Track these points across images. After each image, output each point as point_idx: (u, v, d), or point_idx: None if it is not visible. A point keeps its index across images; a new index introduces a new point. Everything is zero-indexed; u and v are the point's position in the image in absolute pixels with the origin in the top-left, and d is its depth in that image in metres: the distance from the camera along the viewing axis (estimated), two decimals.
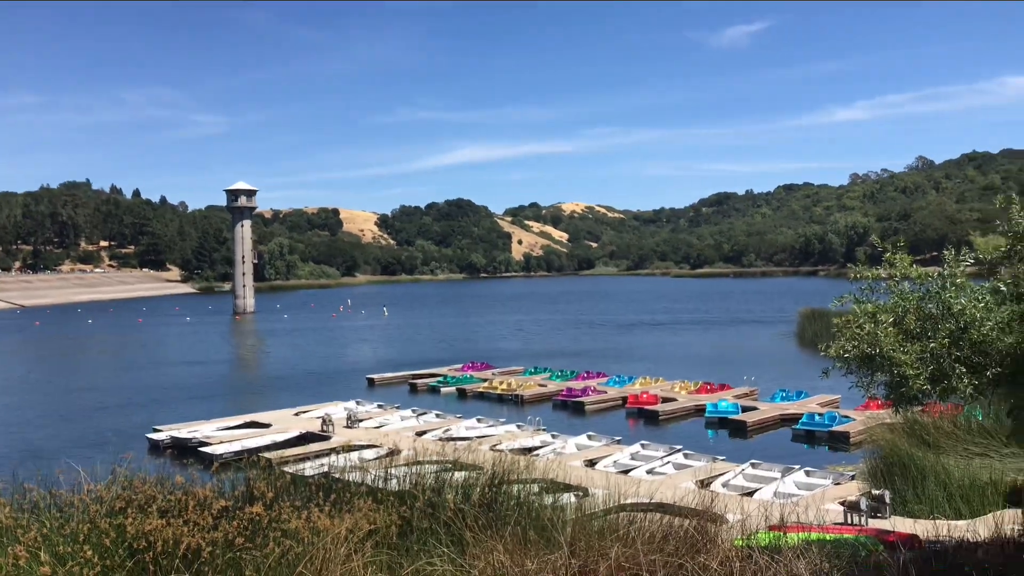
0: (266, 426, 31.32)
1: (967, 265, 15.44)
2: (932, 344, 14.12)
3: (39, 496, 8.74)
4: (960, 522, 14.07)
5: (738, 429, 31.72)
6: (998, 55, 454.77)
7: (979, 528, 11.48)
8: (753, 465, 23.42)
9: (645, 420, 34.14)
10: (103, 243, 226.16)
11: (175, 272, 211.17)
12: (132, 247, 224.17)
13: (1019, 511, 13.00)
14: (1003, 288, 14.30)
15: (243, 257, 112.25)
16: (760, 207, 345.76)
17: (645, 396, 36.15)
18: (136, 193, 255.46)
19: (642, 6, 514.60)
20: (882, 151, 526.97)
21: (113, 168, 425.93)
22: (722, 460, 24.05)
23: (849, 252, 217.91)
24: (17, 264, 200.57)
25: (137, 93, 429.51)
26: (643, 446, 26.48)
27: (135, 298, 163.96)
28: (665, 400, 36.11)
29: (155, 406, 39.00)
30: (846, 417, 31.01)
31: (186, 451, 27.47)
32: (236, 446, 27.16)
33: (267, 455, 23.11)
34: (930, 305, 14.64)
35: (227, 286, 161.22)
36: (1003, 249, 15.08)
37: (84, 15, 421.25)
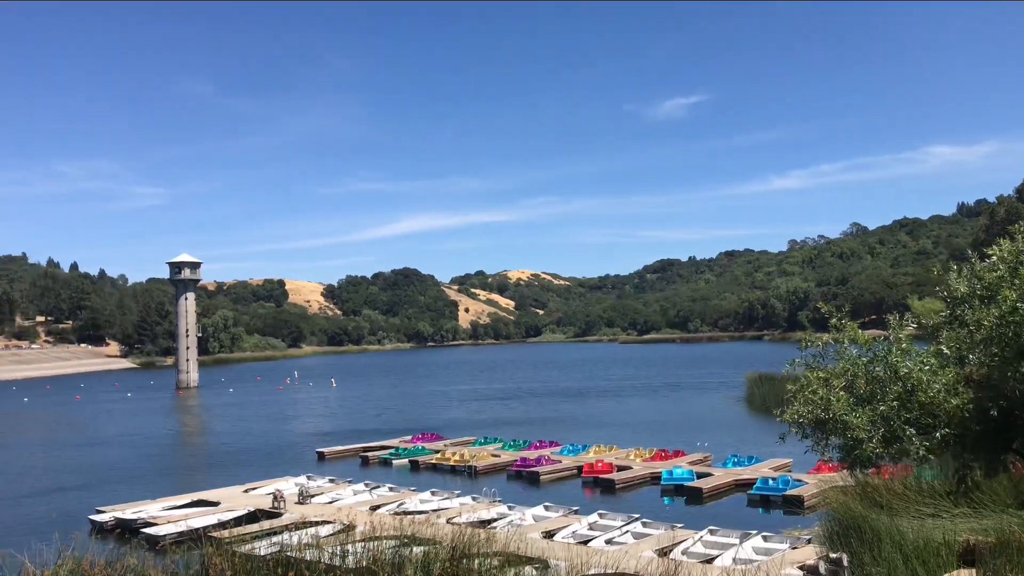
0: (214, 504, 30.33)
1: (911, 329, 16.02)
2: (882, 407, 14.52)
3: None
4: None
5: (694, 496, 31.76)
6: (924, 126, 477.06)
7: None
8: (711, 532, 23.43)
9: (601, 489, 33.95)
10: (39, 318, 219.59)
11: (115, 347, 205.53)
12: (70, 322, 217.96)
13: (972, 571, 13.22)
14: (946, 351, 14.84)
15: (187, 330, 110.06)
16: (703, 273, 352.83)
17: (600, 465, 36.04)
18: (74, 266, 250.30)
19: (579, 80, 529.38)
20: (818, 217, 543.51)
21: (50, 241, 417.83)
22: (680, 527, 24.00)
23: (792, 316, 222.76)
24: None
25: (75, 165, 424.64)
26: (601, 515, 26.30)
27: (73, 374, 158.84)
28: (620, 468, 36.02)
29: (97, 486, 37.53)
30: (799, 481, 31.30)
31: (132, 532, 26.40)
32: (183, 526, 26.22)
33: (216, 534, 22.39)
34: (878, 369, 15.09)
35: (169, 360, 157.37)
36: (943, 314, 15.70)
37: (16, 86, 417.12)
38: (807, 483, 30.71)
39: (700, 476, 33.81)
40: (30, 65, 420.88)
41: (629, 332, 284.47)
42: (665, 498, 32.33)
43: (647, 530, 24.56)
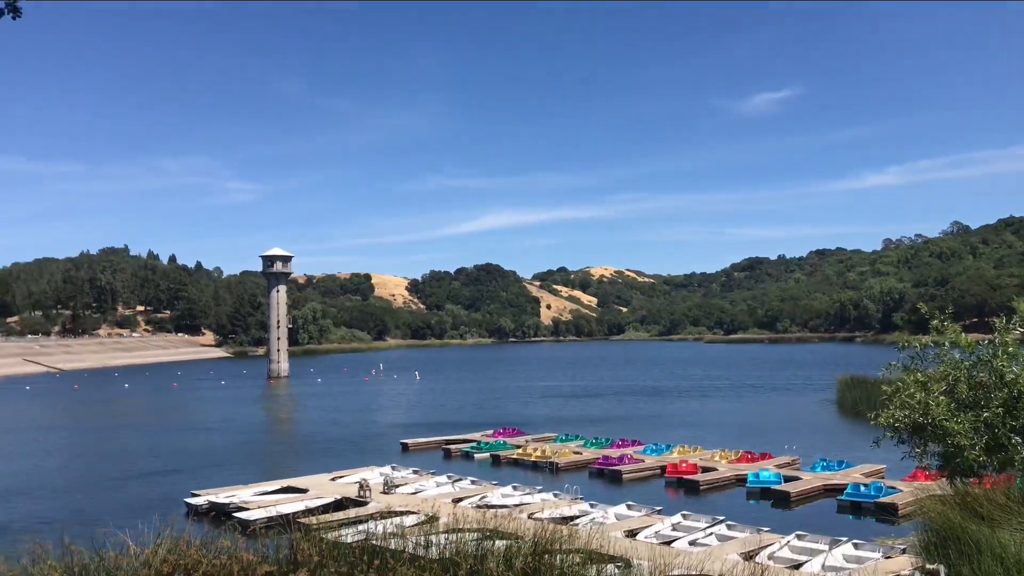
0: (303, 491, 31.20)
1: (1017, 333, 15.16)
2: (986, 413, 13.81)
3: (88, 559, 8.76)
4: None
5: (781, 499, 31.00)
6: None
7: None
8: (799, 537, 22.80)
9: (685, 490, 33.49)
10: (140, 308, 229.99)
11: (209, 337, 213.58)
12: (168, 312, 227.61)
13: None
14: None
15: (278, 322, 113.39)
16: (793, 272, 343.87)
17: (684, 465, 35.54)
18: (172, 259, 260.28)
19: (666, 75, 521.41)
20: (915, 216, 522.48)
21: (151, 234, 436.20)
22: (767, 531, 23.47)
23: (886, 318, 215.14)
24: (56, 328, 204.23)
25: (175, 162, 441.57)
26: (684, 516, 25.92)
27: (170, 362, 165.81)
28: (705, 469, 35.46)
29: (192, 471, 39.09)
30: (892, 488, 30.15)
31: (224, 515, 27.37)
32: (272, 511, 27.01)
33: (305, 520, 22.99)
34: (982, 374, 14.35)
35: (261, 351, 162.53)
36: None
37: (120, 87, 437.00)
38: (901, 490, 29.54)
39: (788, 480, 32.99)
40: (133, 66, 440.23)
41: (715, 331, 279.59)
42: (751, 501, 31.66)
43: (732, 533, 24.10)
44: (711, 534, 23.87)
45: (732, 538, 23.38)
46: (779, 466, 35.76)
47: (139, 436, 54.54)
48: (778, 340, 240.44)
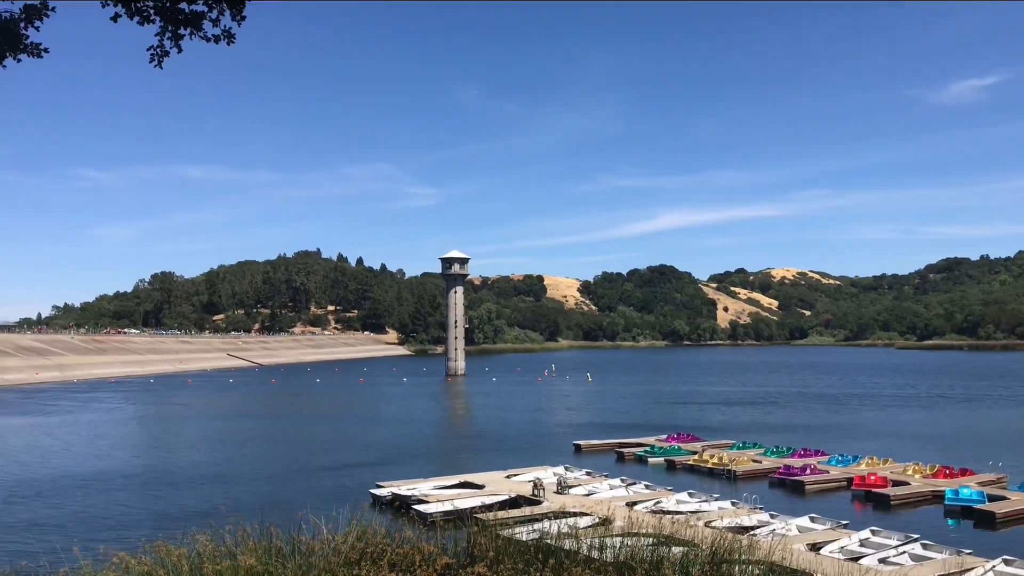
0: (479, 487, 32.03)
1: None
2: None
3: (283, 542, 9.37)
4: None
5: (985, 520, 28.50)
6: None
7: None
8: (1006, 562, 20.89)
9: (874, 504, 31.56)
10: (330, 307, 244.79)
11: (392, 335, 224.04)
12: (355, 311, 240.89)
13: None
14: None
15: (456, 321, 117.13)
16: (998, 273, 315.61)
17: (873, 478, 33.50)
18: (360, 261, 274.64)
19: (853, 64, 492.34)
20: None
21: (340, 238, 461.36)
22: (969, 554, 21.62)
23: None
24: (256, 326, 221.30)
25: (360, 168, 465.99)
26: (873, 532, 24.42)
27: (357, 359, 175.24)
28: (896, 483, 33.25)
29: (376, 462, 41.15)
30: None
31: (404, 507, 28.60)
32: (449, 505, 27.89)
33: (481, 516, 23.58)
34: None
35: (439, 349, 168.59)
36: None
37: (314, 101, 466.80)
38: None
39: (992, 499, 30.30)
40: (320, 81, 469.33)
41: (907, 337, 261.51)
42: (949, 520, 29.33)
43: (927, 553, 22.41)
44: (903, 553, 22.33)
45: (928, 559, 21.74)
46: (982, 484, 32.97)
47: (329, 427, 58.00)
48: (979, 347, 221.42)
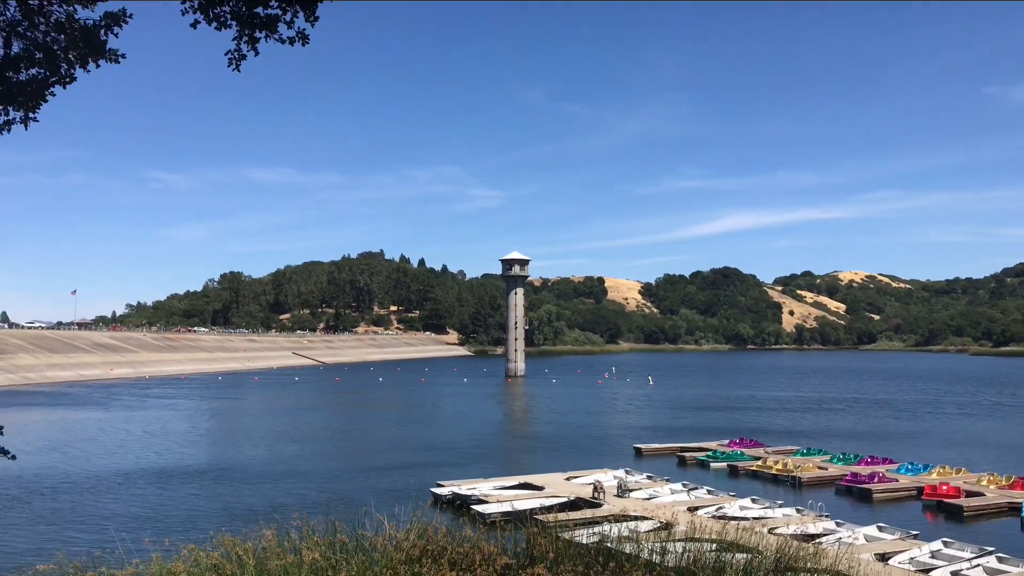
0: (539, 488, 32.02)
1: None
2: None
3: (347, 537, 9.50)
4: None
5: None
6: None
7: None
8: None
9: (946, 515, 30.61)
10: (393, 308, 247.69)
11: (453, 335, 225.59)
12: (417, 311, 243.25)
13: None
14: None
15: (516, 323, 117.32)
16: None
17: (945, 487, 32.47)
18: (422, 262, 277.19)
19: (927, 62, 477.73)
20: None
21: (403, 239, 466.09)
22: None
23: None
24: (321, 325, 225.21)
25: (424, 170, 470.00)
26: (945, 544, 23.67)
27: (419, 359, 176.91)
28: (969, 494, 32.18)
29: (437, 462, 41.46)
30: None
31: (464, 506, 28.76)
32: (508, 506, 27.93)
33: (541, 517, 23.55)
34: None
35: (499, 350, 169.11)
36: None
37: (379, 104, 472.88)
38: None
39: None
40: (384, 85, 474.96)
41: (982, 343, 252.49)
42: None
43: (1003, 567, 21.63)
44: (978, 566, 21.58)
45: (1004, 572, 21.00)
46: None
47: (391, 426, 58.70)
48: None
